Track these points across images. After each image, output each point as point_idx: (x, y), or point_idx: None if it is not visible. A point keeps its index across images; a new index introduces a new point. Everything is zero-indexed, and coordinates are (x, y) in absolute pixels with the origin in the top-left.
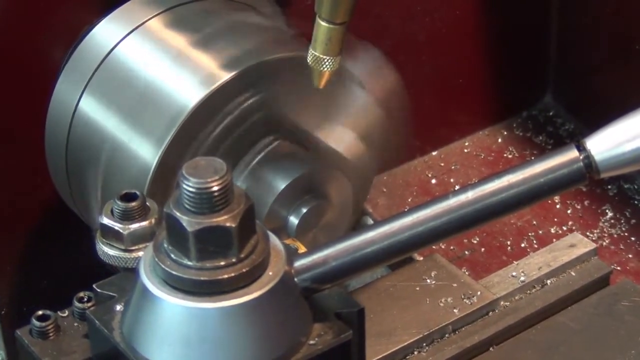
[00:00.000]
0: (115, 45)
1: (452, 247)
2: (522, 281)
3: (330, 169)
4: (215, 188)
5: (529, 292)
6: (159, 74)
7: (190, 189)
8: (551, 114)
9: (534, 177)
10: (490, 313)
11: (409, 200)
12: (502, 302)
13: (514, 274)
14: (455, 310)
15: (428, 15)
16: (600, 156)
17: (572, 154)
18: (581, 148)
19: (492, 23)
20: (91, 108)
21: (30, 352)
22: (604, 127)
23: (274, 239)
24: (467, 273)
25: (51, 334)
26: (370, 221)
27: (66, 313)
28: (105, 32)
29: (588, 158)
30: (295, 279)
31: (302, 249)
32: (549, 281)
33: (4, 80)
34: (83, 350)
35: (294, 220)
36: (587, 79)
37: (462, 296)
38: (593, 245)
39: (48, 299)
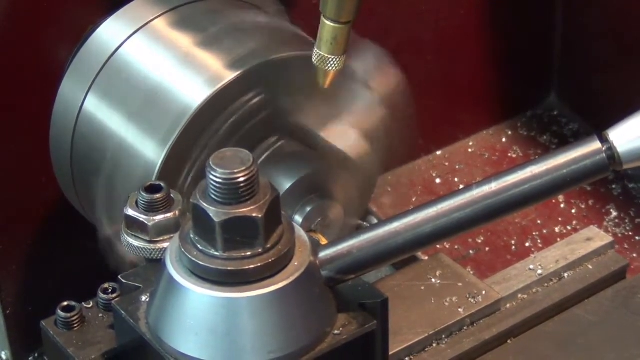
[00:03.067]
0: (120, 45)
1: (456, 247)
2: (540, 274)
3: (334, 169)
4: (242, 179)
5: (546, 285)
6: (164, 74)
7: (217, 180)
8: (556, 113)
9: (556, 168)
10: (509, 305)
11: (414, 199)
12: (519, 295)
13: (531, 267)
14: (460, 310)
15: (433, 14)
16: (623, 147)
17: (595, 145)
18: (604, 139)
19: (497, 22)
20: (96, 108)
21: (56, 342)
22: (626, 118)
23: (299, 230)
24: (471, 272)
25: (76, 325)
26: (375, 221)
27: (91, 304)
28: (110, 32)
29: (610, 149)
30: (320, 270)
31: (324, 241)
32: (566, 274)
33: (9, 79)
34: (108, 341)
35: (298, 219)
36: (591, 78)
37: (468, 295)
38: (610, 239)
39: (53, 298)
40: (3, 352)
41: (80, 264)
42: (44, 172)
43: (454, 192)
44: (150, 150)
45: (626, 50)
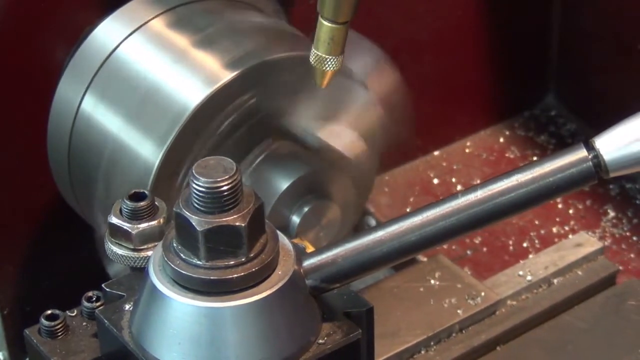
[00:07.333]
0: (118, 46)
1: (454, 247)
2: (529, 280)
3: (332, 169)
4: (225, 188)
5: (535, 291)
6: (161, 74)
7: (200, 189)
8: (553, 113)
9: (542, 176)
10: (497, 312)
11: (411, 200)
12: (508, 302)
13: (520, 273)
14: (459, 311)
15: (430, 15)
16: (609, 156)
17: (581, 153)
18: (590, 147)
19: (494, 22)
20: (93, 108)
21: (39, 351)
22: (613, 126)
23: (283, 238)
24: (469, 273)
25: (60, 334)
26: (373, 221)
27: (75, 312)
28: (108, 32)
29: (597, 157)
30: (305, 278)
31: (310, 248)
32: (555, 280)
33: (6, 80)
34: (92, 350)
35: (296, 219)
36: (589, 78)
37: (466, 297)
38: (599, 245)
39: (50, 298)
40: (0, 353)
41: (77, 264)
42: (41, 173)
43: (439, 200)
44: (148, 151)
45: (623, 50)
